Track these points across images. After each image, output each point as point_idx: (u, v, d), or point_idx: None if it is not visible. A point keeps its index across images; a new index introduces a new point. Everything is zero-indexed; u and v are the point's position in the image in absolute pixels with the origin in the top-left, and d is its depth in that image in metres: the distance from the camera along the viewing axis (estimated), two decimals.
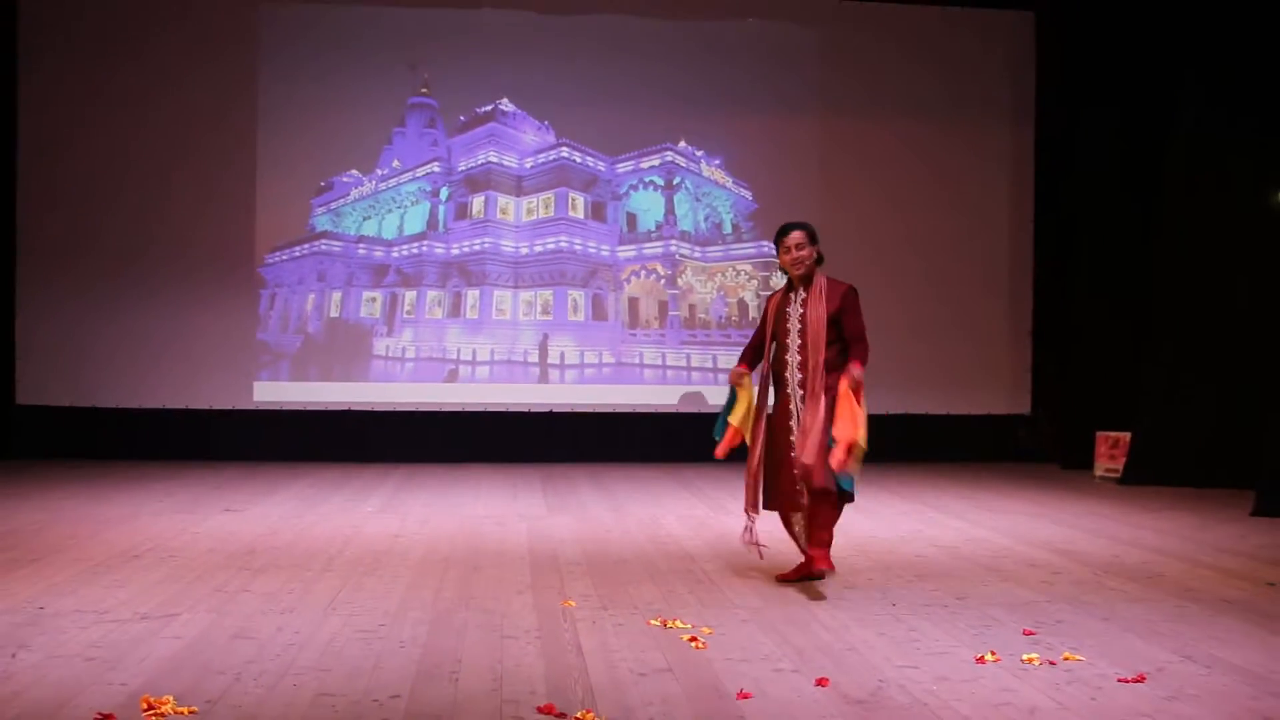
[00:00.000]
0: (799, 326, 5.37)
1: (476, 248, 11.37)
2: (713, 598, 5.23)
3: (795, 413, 5.34)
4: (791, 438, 5.33)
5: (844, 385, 5.16)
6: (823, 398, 5.19)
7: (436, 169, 11.40)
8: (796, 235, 5.40)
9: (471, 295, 11.34)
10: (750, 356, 5.61)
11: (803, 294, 5.40)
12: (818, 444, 5.14)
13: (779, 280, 11.71)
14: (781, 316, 5.46)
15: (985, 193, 11.82)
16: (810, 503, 5.27)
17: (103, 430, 10.81)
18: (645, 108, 11.45)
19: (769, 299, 5.58)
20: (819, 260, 5.44)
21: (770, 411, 5.51)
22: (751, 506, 5.55)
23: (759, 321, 5.64)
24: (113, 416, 10.83)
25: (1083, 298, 11.15)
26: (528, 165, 11.48)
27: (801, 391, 5.32)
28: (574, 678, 3.92)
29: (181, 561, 5.93)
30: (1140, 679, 3.95)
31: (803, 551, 5.45)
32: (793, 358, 5.37)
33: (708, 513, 8.02)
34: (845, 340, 5.33)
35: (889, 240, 11.63)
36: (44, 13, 10.82)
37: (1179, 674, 4.04)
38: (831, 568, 5.25)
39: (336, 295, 11.26)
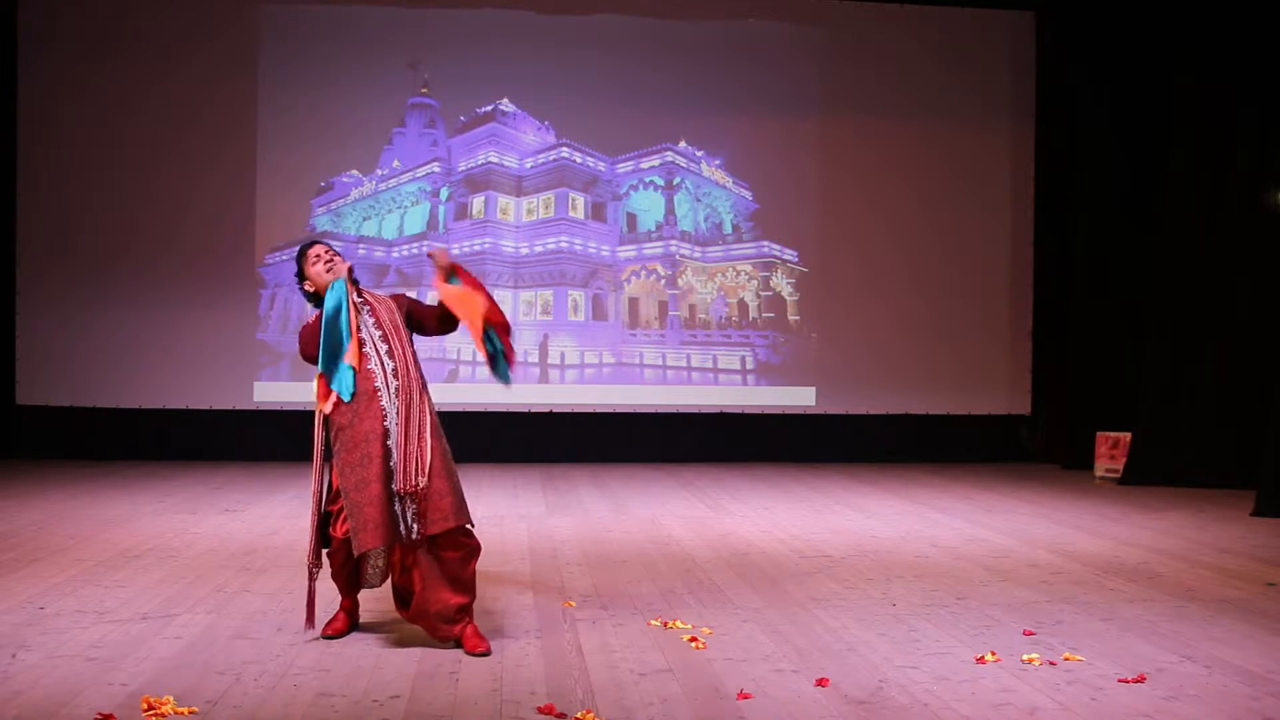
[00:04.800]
0: (371, 320, 4.52)
1: (476, 248, 11.37)
2: (713, 598, 5.23)
3: (389, 424, 4.37)
4: (390, 459, 4.34)
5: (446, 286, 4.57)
6: (427, 400, 4.48)
7: (436, 169, 11.40)
8: (321, 246, 4.69)
9: None
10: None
11: (354, 296, 4.57)
12: (438, 461, 4.38)
13: (779, 280, 11.78)
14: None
15: (985, 192, 11.82)
16: (434, 545, 4.36)
17: (103, 430, 10.81)
18: (645, 108, 11.45)
19: (306, 327, 4.61)
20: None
21: (343, 433, 4.39)
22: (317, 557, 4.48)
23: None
24: (113, 416, 10.83)
25: (1083, 298, 11.15)
26: (528, 165, 11.48)
27: (397, 383, 4.43)
28: (574, 678, 3.92)
29: (181, 561, 5.93)
30: (1140, 679, 3.95)
31: (349, 595, 4.58)
32: (376, 352, 4.45)
33: (708, 513, 8.02)
34: (423, 325, 4.68)
35: (889, 240, 11.63)
36: (43, 13, 10.82)
37: (1179, 674, 4.04)
38: (488, 647, 4.29)
39: None
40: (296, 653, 4.19)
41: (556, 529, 7.21)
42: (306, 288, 4.65)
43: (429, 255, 4.67)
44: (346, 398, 4.37)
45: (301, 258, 4.66)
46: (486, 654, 4.25)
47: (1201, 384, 9.67)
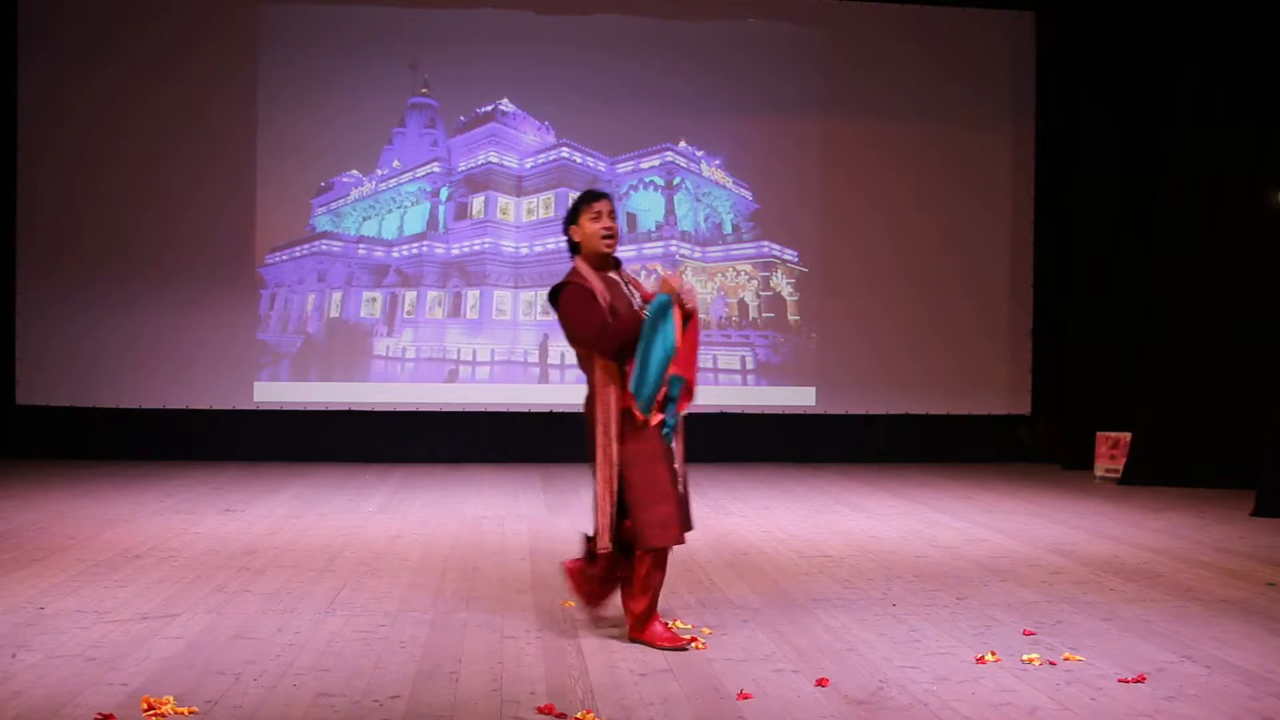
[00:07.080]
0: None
1: (476, 248, 11.36)
2: (713, 598, 5.23)
3: (672, 444, 4.40)
4: (675, 481, 4.39)
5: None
6: None
7: (436, 169, 11.40)
8: (610, 203, 4.39)
9: (471, 295, 11.34)
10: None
11: (623, 278, 4.45)
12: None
13: (779, 280, 11.78)
14: (621, 305, 4.32)
15: (985, 192, 11.81)
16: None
17: (103, 430, 10.80)
18: (645, 108, 11.44)
19: (576, 286, 4.37)
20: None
21: (629, 443, 4.32)
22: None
23: (607, 310, 4.30)
24: (113, 416, 10.83)
25: (1083, 298, 11.14)
26: (528, 165, 11.48)
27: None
28: (574, 678, 3.92)
29: (181, 561, 5.93)
30: (1140, 679, 3.95)
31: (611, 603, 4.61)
32: None
33: (708, 513, 8.01)
34: None
35: (888, 240, 11.62)
36: (43, 13, 10.82)
37: (1179, 674, 4.04)
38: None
39: (337, 295, 11.26)
40: (296, 653, 4.19)
41: (556, 529, 7.21)
42: (573, 235, 4.42)
43: (666, 279, 4.28)
44: (671, 422, 4.30)
45: (583, 204, 4.37)
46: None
47: (1201, 384, 9.66)
